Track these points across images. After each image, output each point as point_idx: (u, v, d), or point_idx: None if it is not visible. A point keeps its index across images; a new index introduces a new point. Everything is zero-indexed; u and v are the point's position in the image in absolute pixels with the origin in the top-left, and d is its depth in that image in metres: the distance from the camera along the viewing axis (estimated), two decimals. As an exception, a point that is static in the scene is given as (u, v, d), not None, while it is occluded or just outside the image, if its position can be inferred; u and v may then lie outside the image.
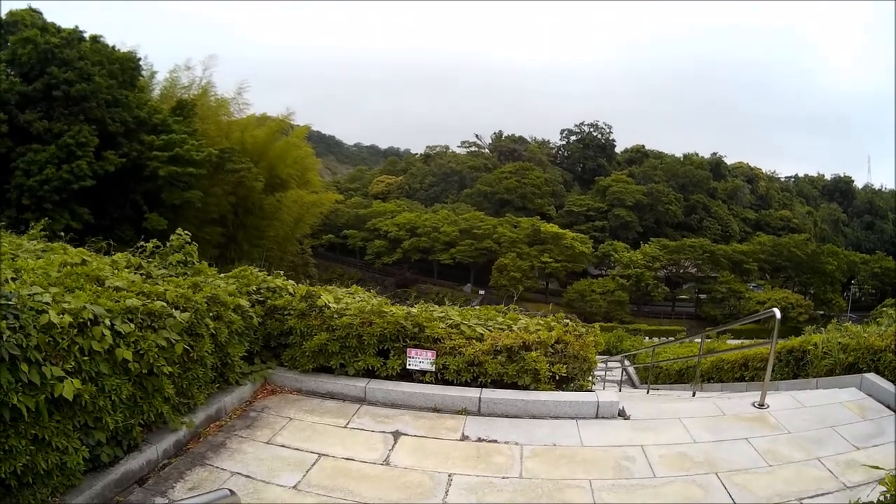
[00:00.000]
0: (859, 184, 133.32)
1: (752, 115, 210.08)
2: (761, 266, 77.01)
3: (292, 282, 7.82)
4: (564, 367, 6.52)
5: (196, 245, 7.46)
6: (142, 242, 7.27)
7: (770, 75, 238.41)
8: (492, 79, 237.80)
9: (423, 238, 78.74)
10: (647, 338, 33.25)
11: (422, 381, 6.65)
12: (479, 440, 5.58)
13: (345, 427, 5.80)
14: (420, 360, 6.61)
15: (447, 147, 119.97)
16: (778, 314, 6.83)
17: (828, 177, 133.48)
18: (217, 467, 4.88)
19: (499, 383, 6.50)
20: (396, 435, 5.62)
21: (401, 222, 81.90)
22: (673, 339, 23.35)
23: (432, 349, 6.60)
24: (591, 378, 7.08)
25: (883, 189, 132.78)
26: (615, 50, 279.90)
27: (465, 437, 5.63)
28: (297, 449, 5.25)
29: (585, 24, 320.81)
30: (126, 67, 35.73)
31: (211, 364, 5.66)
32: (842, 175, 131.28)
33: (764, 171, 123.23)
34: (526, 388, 6.42)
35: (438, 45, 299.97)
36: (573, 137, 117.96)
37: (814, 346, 8.63)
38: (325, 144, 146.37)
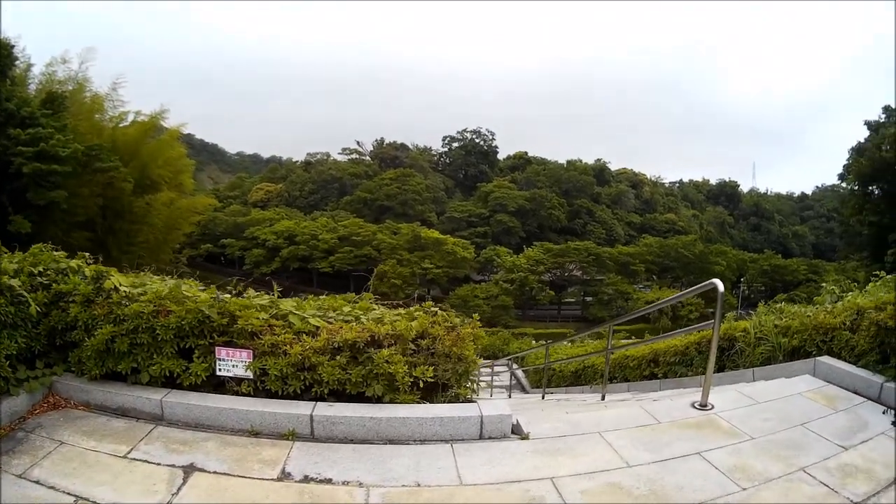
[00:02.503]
0: (745, 188, 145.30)
1: (643, 127, 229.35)
2: (648, 267, 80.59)
3: (104, 267, 5.89)
4: (431, 369, 4.89)
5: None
6: None
7: (663, 91, 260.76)
8: (380, 87, 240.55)
9: (301, 246, 79.44)
10: (534, 341, 32.73)
11: (237, 393, 4.99)
12: (306, 479, 3.97)
13: (124, 457, 4.23)
14: (233, 362, 4.92)
15: (328, 154, 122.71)
16: (720, 286, 5.48)
17: (713, 182, 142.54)
18: (-58, 509, 3.51)
19: (341, 394, 4.91)
20: (189, 471, 4.03)
21: (279, 230, 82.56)
22: (566, 339, 22.42)
23: (249, 348, 4.90)
24: (471, 384, 5.40)
25: (769, 192, 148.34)
26: (516, 65, 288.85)
27: (285, 475, 4.02)
28: (52, 487, 3.82)
29: (487, 35, 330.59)
30: (-6, 55, 34.21)
31: (-42, 362, 4.32)
32: (727, 179, 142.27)
33: (648, 177, 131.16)
34: (379, 400, 4.84)
35: (330, 51, 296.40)
36: (455, 144, 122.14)
37: (743, 332, 7.94)
38: (208, 153, 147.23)
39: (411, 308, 5.79)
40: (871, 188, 49.10)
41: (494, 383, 18.61)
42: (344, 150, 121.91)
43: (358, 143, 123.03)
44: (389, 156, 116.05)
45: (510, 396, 15.25)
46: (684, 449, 4.41)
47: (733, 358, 7.97)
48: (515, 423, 4.80)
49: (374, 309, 5.76)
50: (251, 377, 4.92)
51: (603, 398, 8.60)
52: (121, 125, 43.07)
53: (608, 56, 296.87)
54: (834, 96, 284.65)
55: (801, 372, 6.30)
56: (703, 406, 5.32)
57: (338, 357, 4.79)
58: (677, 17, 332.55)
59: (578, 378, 14.15)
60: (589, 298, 76.60)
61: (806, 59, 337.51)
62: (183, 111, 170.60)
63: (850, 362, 5.94)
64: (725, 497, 3.75)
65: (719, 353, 7.93)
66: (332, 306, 5.85)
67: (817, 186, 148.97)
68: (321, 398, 4.85)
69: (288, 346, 4.79)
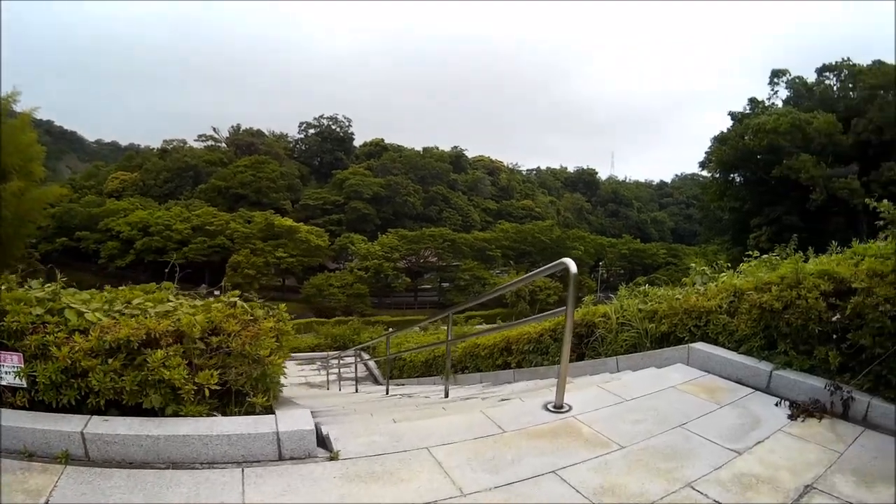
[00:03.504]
0: (604, 176, 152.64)
1: (505, 119, 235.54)
2: (505, 252, 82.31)
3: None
4: (217, 373, 3.89)
5: None
6: None
7: (527, 85, 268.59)
8: (239, 73, 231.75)
9: (155, 237, 76.56)
10: (388, 328, 32.27)
11: (13, 406, 3.93)
12: (65, 517, 3.03)
13: None
14: (5, 368, 3.89)
15: (184, 141, 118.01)
16: (573, 267, 4.54)
17: (571, 169, 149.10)
18: None
19: (120, 405, 3.84)
20: (-47, 504, 3.07)
21: (133, 221, 79.13)
22: (416, 326, 21.77)
23: (19, 350, 3.88)
24: (274, 392, 4.35)
25: (628, 180, 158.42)
26: (379, 52, 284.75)
27: (45, 511, 3.04)
28: None
29: (348, 21, 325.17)
30: None
31: None
32: (585, 167, 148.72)
33: (506, 164, 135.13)
34: (162, 412, 3.82)
35: (186, 31, 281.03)
36: (311, 131, 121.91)
37: (603, 317, 7.42)
38: (66, 141, 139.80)
39: (210, 299, 4.77)
40: (732, 175, 52.86)
41: (345, 375, 17.78)
42: (200, 136, 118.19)
43: (214, 129, 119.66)
44: (245, 142, 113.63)
45: (357, 390, 14.36)
46: (536, 467, 3.54)
47: (593, 346, 7.39)
48: (325, 436, 3.83)
49: (170, 300, 4.68)
50: (25, 386, 3.87)
51: (446, 395, 7.77)
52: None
53: (469, 48, 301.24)
54: (691, 92, 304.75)
55: (673, 360, 5.84)
56: (559, 408, 4.47)
57: (111, 360, 3.75)
58: (551, 14, 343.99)
59: (430, 368, 13.66)
60: (446, 284, 77.95)
61: (664, 58, 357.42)
62: (43, 98, 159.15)
63: (729, 348, 5.50)
64: (590, 532, 2.83)
65: (577, 341, 7.43)
66: (127, 298, 4.75)
67: (676, 175, 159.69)
68: (100, 411, 3.81)
69: (55, 348, 3.76)
